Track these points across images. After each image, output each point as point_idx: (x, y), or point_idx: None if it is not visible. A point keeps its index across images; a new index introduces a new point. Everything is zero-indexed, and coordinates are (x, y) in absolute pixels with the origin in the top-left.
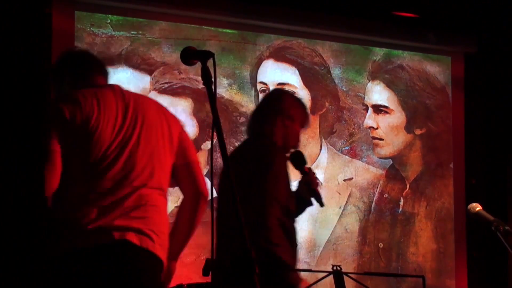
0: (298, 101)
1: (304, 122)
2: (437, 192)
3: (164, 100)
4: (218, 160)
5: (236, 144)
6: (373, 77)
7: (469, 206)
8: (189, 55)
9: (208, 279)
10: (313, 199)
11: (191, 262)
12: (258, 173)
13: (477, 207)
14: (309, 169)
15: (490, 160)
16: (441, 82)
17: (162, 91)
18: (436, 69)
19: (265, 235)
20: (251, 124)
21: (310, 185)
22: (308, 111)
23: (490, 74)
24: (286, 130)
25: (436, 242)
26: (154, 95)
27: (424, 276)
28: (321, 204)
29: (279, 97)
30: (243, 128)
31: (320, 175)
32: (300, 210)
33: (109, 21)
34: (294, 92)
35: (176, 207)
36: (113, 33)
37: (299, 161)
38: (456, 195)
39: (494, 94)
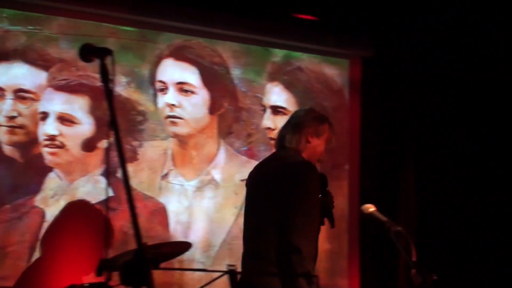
0: (325, 119)
1: (329, 139)
2: (332, 192)
3: (61, 97)
4: (115, 159)
5: (133, 143)
6: (272, 78)
7: (362, 207)
8: (87, 52)
9: (102, 279)
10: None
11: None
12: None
13: (370, 208)
14: (329, 191)
15: (384, 162)
16: (338, 85)
17: (59, 88)
18: (334, 72)
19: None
20: (281, 138)
21: (328, 207)
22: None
23: (386, 77)
24: (313, 146)
25: (330, 242)
26: (51, 92)
27: (317, 276)
28: (332, 225)
29: (308, 113)
30: (141, 127)
31: (217, 175)
32: None
33: (5, 15)
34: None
35: None
36: (9, 27)
37: (323, 183)
38: (350, 196)
39: (389, 97)
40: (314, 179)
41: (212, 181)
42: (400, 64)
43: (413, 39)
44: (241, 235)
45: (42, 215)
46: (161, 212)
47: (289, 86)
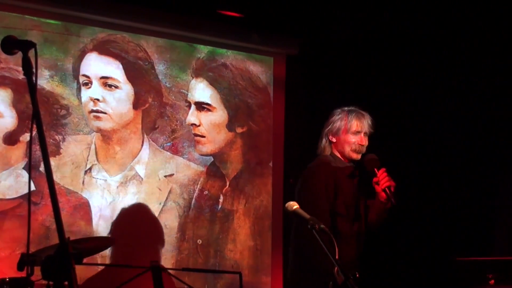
0: (344, 112)
1: (351, 129)
2: (256, 190)
3: None
4: (37, 153)
5: (57, 137)
6: (197, 74)
7: (286, 205)
8: (10, 44)
9: (23, 274)
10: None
11: (5, 256)
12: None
13: (294, 205)
14: (378, 169)
15: (307, 160)
16: (263, 82)
17: None
18: (258, 69)
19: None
20: None
21: (380, 184)
22: (358, 116)
23: (310, 75)
24: (339, 143)
25: (254, 239)
26: None
27: (241, 273)
28: (392, 202)
29: (328, 117)
30: (64, 121)
31: (141, 170)
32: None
33: None
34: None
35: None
36: None
37: (369, 165)
38: (274, 194)
39: (313, 95)
40: (313, 182)
41: (136, 177)
42: (324, 62)
43: (336, 37)
44: (165, 231)
45: None
46: (84, 207)
47: (213, 82)
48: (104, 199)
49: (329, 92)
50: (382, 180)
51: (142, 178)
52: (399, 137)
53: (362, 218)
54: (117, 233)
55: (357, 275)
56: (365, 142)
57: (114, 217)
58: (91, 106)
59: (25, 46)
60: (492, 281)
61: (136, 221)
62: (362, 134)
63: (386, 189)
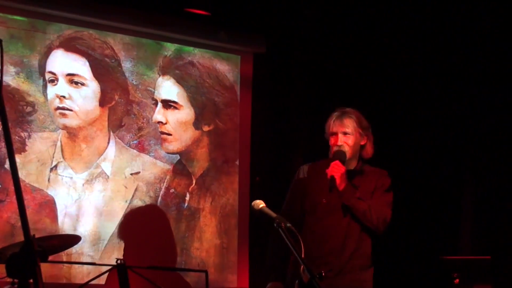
0: (331, 115)
1: (328, 128)
2: (223, 188)
3: None
4: (2, 150)
5: (22, 134)
6: (164, 72)
7: (253, 203)
8: None
9: None
10: None
11: None
12: None
13: (260, 204)
14: (333, 160)
15: (274, 158)
16: (230, 80)
17: None
18: (225, 67)
19: None
20: None
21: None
22: (336, 116)
23: (277, 74)
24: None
25: (220, 237)
26: None
27: (207, 271)
28: (329, 189)
29: None
30: (30, 118)
31: (107, 168)
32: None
33: None
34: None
35: None
36: None
37: (333, 157)
38: (240, 192)
39: (279, 93)
40: (293, 180)
41: (102, 174)
42: (291, 61)
43: (303, 36)
44: (130, 229)
45: None
46: (49, 205)
47: (180, 80)
48: (70, 196)
49: (296, 90)
50: (329, 169)
51: (108, 176)
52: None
53: (334, 215)
54: (85, 230)
55: (323, 274)
56: (342, 141)
57: (80, 215)
58: (57, 103)
59: None
60: (457, 280)
61: (103, 219)
62: (340, 134)
63: (332, 177)
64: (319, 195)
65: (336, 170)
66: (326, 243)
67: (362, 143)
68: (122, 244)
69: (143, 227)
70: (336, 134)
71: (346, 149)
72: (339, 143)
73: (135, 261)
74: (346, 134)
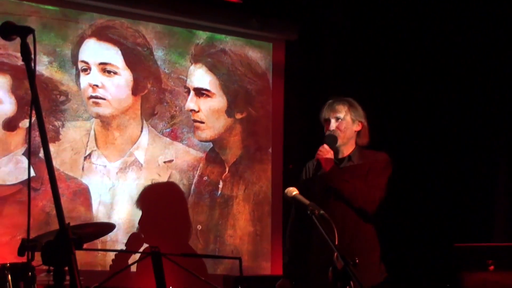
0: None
1: (322, 116)
2: (256, 176)
3: None
4: (37, 139)
5: (56, 123)
6: (196, 60)
7: (286, 190)
8: (8, 30)
9: (24, 259)
10: None
11: (6, 242)
12: None
13: (294, 191)
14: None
15: (306, 145)
16: (262, 68)
17: None
18: (257, 55)
19: None
20: None
21: None
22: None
23: (309, 61)
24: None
25: (253, 225)
26: None
27: (241, 258)
28: (314, 173)
29: None
30: (63, 107)
31: (140, 156)
32: None
33: None
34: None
35: None
36: None
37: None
38: (273, 179)
39: (312, 81)
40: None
41: (135, 163)
42: (323, 48)
43: (335, 23)
44: (164, 216)
45: None
46: (84, 193)
47: (212, 68)
48: (104, 185)
49: (328, 77)
50: (317, 153)
51: (141, 164)
52: (399, 123)
53: (334, 203)
54: (119, 218)
55: (357, 261)
56: (334, 127)
57: (114, 203)
58: (90, 92)
59: (23, 32)
60: (492, 267)
61: (138, 206)
62: (332, 120)
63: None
64: (318, 183)
65: (322, 153)
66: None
67: (356, 129)
68: (156, 232)
69: (176, 214)
70: (328, 120)
71: (338, 133)
72: (331, 128)
73: (168, 249)
74: (338, 119)
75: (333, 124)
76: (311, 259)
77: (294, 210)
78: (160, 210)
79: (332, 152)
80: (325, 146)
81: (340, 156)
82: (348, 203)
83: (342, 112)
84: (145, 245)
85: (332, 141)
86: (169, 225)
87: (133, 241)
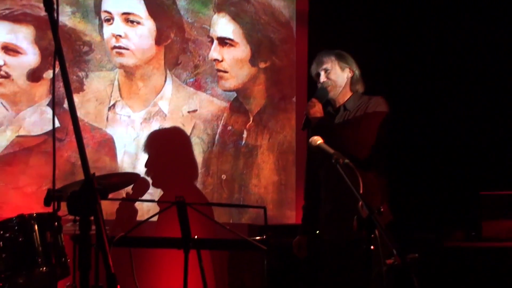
0: None
1: (312, 73)
2: (280, 125)
3: (5, 27)
4: (61, 90)
5: (80, 74)
6: (219, 9)
7: (310, 139)
8: None
9: (50, 209)
10: None
11: (32, 192)
12: None
13: (318, 140)
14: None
15: None
16: (285, 16)
17: (3, 18)
18: (281, 3)
19: None
20: None
21: None
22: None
23: (333, 9)
24: None
25: (278, 174)
26: None
27: (265, 207)
28: (302, 127)
29: None
30: (87, 57)
31: (164, 106)
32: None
33: None
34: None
35: None
36: None
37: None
38: (298, 128)
39: (336, 29)
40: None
41: (159, 113)
42: None
43: None
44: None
45: None
46: (108, 143)
47: (236, 17)
48: (129, 135)
49: (352, 26)
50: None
51: (165, 114)
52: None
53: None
54: (140, 168)
55: (382, 209)
56: (324, 78)
57: (138, 153)
58: (113, 42)
59: None
60: None
61: (162, 156)
62: (322, 72)
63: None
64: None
65: (308, 107)
66: (334, 191)
67: (348, 76)
68: (181, 181)
69: (200, 164)
70: (318, 73)
71: (329, 83)
72: (321, 80)
73: (193, 198)
74: (327, 71)
75: (322, 76)
76: (321, 209)
77: (307, 163)
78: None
79: (320, 105)
80: (313, 100)
81: (337, 105)
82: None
83: (329, 62)
84: (160, 193)
85: (322, 93)
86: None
87: (139, 186)
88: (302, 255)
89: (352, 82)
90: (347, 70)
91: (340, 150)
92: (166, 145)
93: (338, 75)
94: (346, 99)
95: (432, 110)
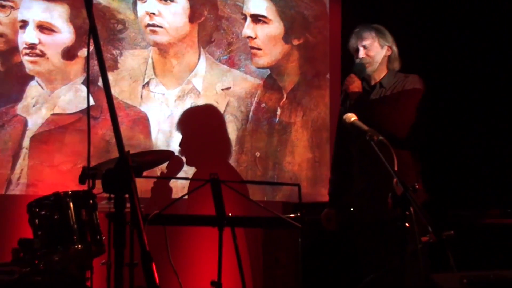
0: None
1: (350, 47)
2: (314, 102)
3: (40, 6)
4: (95, 68)
5: (114, 52)
6: None
7: (344, 116)
8: None
9: (85, 187)
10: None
11: (67, 170)
12: None
13: (352, 117)
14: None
15: None
16: None
17: None
18: None
19: None
20: None
21: None
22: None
23: None
24: None
25: (312, 151)
26: (29, 0)
27: (299, 185)
28: (341, 103)
29: None
30: (121, 36)
31: (198, 84)
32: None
33: None
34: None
35: None
36: None
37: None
38: (332, 106)
39: (369, 5)
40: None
41: (193, 90)
42: None
43: None
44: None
45: (24, 123)
46: (142, 121)
47: None
48: (162, 113)
49: (387, 2)
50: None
51: (199, 92)
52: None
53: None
54: (174, 146)
55: (417, 187)
56: (362, 54)
57: (173, 131)
58: (147, 20)
59: None
60: None
61: (196, 134)
62: (360, 48)
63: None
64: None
65: (347, 83)
66: (367, 169)
67: (386, 54)
68: (215, 159)
69: (234, 141)
70: (357, 48)
71: (368, 60)
72: (360, 56)
73: (227, 176)
74: (365, 47)
75: (361, 52)
76: (353, 187)
77: (337, 138)
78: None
79: (359, 81)
80: (352, 75)
81: (373, 82)
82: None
83: (369, 38)
84: (193, 170)
85: (360, 69)
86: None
87: (173, 164)
88: (332, 227)
89: (390, 59)
90: (385, 48)
91: (377, 127)
92: (200, 123)
93: (377, 52)
94: (382, 76)
95: (467, 87)
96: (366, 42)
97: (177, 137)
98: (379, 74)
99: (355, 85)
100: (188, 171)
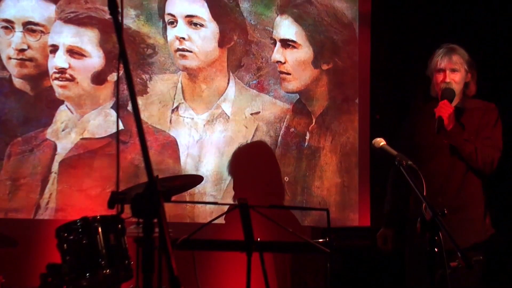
0: (437, 51)
1: (435, 65)
2: (343, 127)
3: (70, 30)
4: (125, 92)
5: (143, 77)
6: (282, 11)
7: (373, 141)
8: None
9: (114, 211)
10: None
11: (96, 195)
12: None
13: (381, 142)
14: (442, 100)
15: (393, 95)
16: (348, 18)
17: (68, 21)
18: (343, 5)
19: None
20: None
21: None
22: (444, 52)
23: (396, 10)
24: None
25: (341, 176)
26: (60, 25)
27: (328, 209)
28: (437, 131)
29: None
30: (150, 60)
31: (227, 108)
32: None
33: None
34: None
35: None
36: None
37: (442, 95)
38: (360, 130)
39: (399, 30)
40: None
41: (222, 115)
42: None
43: None
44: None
45: (54, 147)
46: (171, 145)
47: (298, 19)
48: (192, 137)
49: (416, 27)
50: (437, 109)
51: (228, 116)
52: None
53: (440, 156)
54: (206, 171)
55: (446, 212)
56: (450, 78)
57: (201, 155)
58: (177, 44)
59: None
60: None
61: (224, 159)
62: (448, 71)
63: (440, 117)
64: (426, 136)
65: (444, 110)
66: (429, 185)
67: (467, 80)
68: (244, 184)
69: (264, 166)
70: (443, 71)
71: (454, 86)
72: (447, 80)
73: (256, 201)
74: (454, 71)
75: (449, 76)
76: (409, 210)
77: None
78: (254, 164)
79: (452, 108)
80: (446, 102)
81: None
82: (463, 160)
83: (458, 63)
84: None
85: (451, 95)
86: (257, 179)
87: None
88: (387, 248)
89: (467, 86)
90: (468, 75)
91: (470, 160)
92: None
93: (462, 79)
94: (457, 101)
95: None
96: (456, 66)
97: (206, 162)
98: (455, 100)
99: (451, 111)
100: (217, 195)
